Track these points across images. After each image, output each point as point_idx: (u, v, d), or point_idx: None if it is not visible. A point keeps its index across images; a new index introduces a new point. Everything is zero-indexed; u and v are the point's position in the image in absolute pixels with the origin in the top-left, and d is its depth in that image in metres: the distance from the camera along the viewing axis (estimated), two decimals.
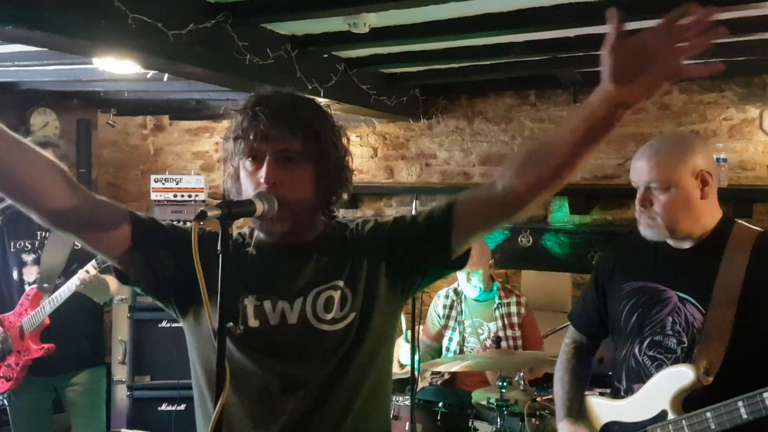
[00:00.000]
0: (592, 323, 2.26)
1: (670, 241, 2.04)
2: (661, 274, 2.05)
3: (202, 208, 1.32)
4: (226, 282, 1.32)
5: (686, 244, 2.02)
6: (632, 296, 2.08)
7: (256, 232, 1.62)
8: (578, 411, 2.17)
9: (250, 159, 1.50)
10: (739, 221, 2.05)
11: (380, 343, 1.57)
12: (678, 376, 1.92)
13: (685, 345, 1.96)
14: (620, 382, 2.11)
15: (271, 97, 1.52)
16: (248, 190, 1.51)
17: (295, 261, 1.57)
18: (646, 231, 2.01)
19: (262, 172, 1.47)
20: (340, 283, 1.53)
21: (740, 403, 1.79)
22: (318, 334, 1.49)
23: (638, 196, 2.00)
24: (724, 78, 4.33)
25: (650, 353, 2.02)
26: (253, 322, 1.51)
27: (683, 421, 1.89)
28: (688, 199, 1.94)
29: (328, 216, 1.63)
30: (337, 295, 1.51)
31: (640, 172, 1.98)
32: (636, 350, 2.05)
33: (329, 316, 1.49)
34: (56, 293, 3.27)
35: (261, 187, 1.47)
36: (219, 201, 1.40)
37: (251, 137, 1.47)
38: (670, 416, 1.92)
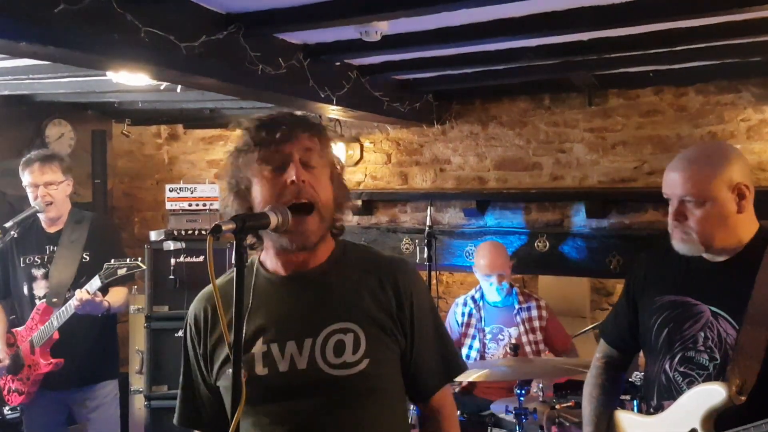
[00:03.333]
0: (623, 336, 2.18)
1: (704, 254, 1.96)
2: (694, 287, 1.97)
3: (216, 223, 1.32)
4: (241, 295, 1.31)
5: (721, 257, 1.94)
6: (664, 310, 2.01)
7: (255, 268, 1.58)
8: (606, 427, 2.11)
9: (271, 167, 1.48)
10: None
11: (400, 389, 1.55)
12: (709, 395, 1.84)
13: (718, 361, 1.89)
14: (651, 399, 2.04)
15: (279, 113, 1.56)
16: (267, 199, 1.47)
17: (304, 293, 1.53)
18: (679, 245, 1.93)
19: (291, 173, 1.46)
20: (353, 326, 1.48)
21: None
22: (328, 380, 1.45)
23: (672, 209, 1.91)
24: (741, 79, 4.28)
25: (681, 369, 1.95)
26: (261, 371, 1.46)
27: None
28: (724, 214, 1.87)
29: (337, 229, 1.61)
30: (348, 338, 1.46)
31: (673, 184, 1.89)
32: (667, 366, 1.98)
33: (339, 361, 1.45)
34: (63, 308, 3.27)
35: (288, 189, 1.45)
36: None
37: (277, 136, 1.48)
38: None
